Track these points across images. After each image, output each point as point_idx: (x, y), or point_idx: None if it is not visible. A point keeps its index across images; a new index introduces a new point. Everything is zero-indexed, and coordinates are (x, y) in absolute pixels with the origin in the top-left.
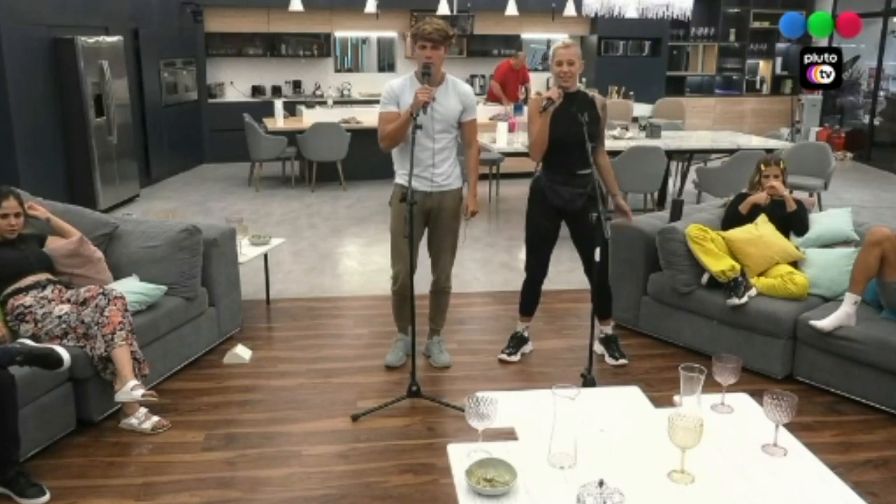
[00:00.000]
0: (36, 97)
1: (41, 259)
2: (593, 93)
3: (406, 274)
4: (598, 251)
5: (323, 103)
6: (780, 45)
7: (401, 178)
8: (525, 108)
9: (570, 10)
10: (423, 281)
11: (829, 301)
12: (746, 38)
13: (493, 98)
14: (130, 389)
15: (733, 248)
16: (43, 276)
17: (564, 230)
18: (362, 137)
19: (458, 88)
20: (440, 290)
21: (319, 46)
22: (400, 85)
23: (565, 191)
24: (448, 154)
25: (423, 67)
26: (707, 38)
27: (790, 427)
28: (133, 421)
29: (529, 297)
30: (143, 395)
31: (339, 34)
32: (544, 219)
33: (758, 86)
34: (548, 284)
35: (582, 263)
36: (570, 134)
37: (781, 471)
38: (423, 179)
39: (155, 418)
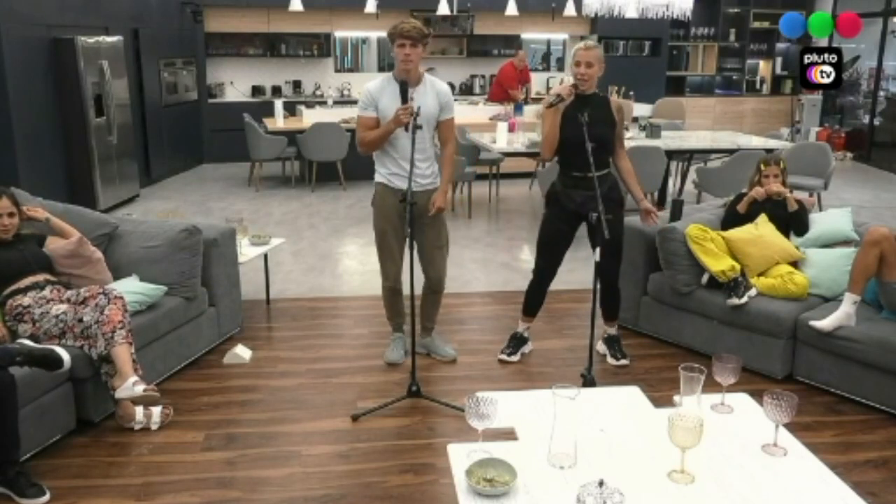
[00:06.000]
0: (36, 97)
1: (40, 260)
2: (610, 95)
3: (398, 270)
4: (598, 251)
5: (323, 103)
6: (780, 45)
7: (381, 177)
8: (525, 108)
9: (570, 10)
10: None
11: (829, 301)
12: (746, 38)
13: (496, 98)
14: (132, 385)
15: (733, 248)
16: (42, 277)
17: (581, 232)
18: None
19: (436, 87)
20: (434, 291)
21: (319, 46)
22: (378, 87)
23: (577, 194)
24: (427, 154)
25: (400, 85)
26: (707, 38)
27: (790, 427)
28: (136, 426)
29: (535, 299)
30: (145, 391)
31: (339, 34)
32: (561, 222)
33: (758, 86)
34: None
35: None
36: (578, 135)
37: (781, 471)
38: (404, 179)
39: (156, 412)
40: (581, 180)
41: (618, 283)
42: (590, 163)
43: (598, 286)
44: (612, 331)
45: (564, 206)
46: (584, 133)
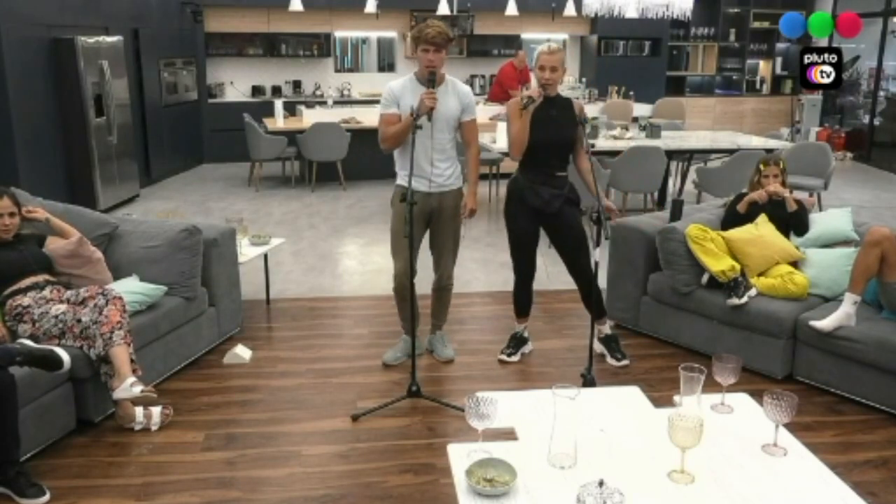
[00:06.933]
0: (36, 97)
1: (40, 260)
2: (572, 97)
3: (404, 273)
4: (597, 251)
5: (323, 103)
6: (780, 45)
7: (402, 179)
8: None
9: (570, 10)
10: (422, 282)
11: (830, 301)
12: (746, 38)
13: (496, 98)
14: (129, 386)
15: (733, 248)
16: (42, 277)
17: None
18: (362, 137)
19: (457, 89)
20: (442, 287)
21: (319, 46)
22: (400, 86)
23: (545, 191)
24: (447, 154)
25: (427, 73)
26: (707, 38)
27: (790, 427)
28: (136, 427)
29: (523, 299)
30: (143, 392)
31: (339, 34)
32: (524, 221)
33: (758, 86)
34: (548, 284)
35: (565, 265)
36: (549, 136)
37: (781, 471)
38: (422, 180)
39: (156, 412)
40: (549, 178)
41: (595, 278)
42: (561, 163)
43: (579, 285)
44: (607, 329)
45: (528, 203)
46: (572, 135)
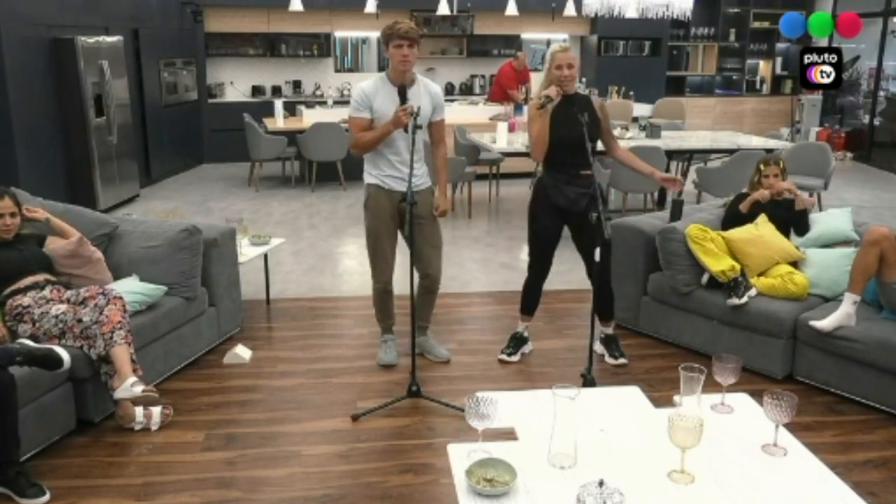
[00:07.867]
0: (36, 97)
1: (40, 259)
2: (591, 94)
3: (391, 271)
4: (598, 251)
5: (323, 103)
6: (780, 45)
7: (374, 178)
8: (525, 108)
9: (570, 10)
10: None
11: (830, 301)
12: (746, 38)
13: (496, 98)
14: (130, 386)
15: (733, 248)
16: (42, 277)
17: (565, 232)
18: None
19: (429, 88)
20: (432, 290)
21: (319, 46)
22: (372, 88)
23: (570, 190)
24: (421, 154)
25: (399, 89)
26: (707, 38)
27: (790, 427)
28: (136, 427)
29: (531, 297)
30: (144, 391)
31: (339, 34)
32: (548, 219)
33: (758, 86)
34: (547, 284)
35: (584, 265)
36: (571, 134)
37: (781, 471)
38: (400, 180)
39: (156, 412)
40: (575, 177)
41: (611, 281)
42: (585, 161)
43: (595, 286)
44: (609, 330)
45: (554, 202)
46: (585, 133)
